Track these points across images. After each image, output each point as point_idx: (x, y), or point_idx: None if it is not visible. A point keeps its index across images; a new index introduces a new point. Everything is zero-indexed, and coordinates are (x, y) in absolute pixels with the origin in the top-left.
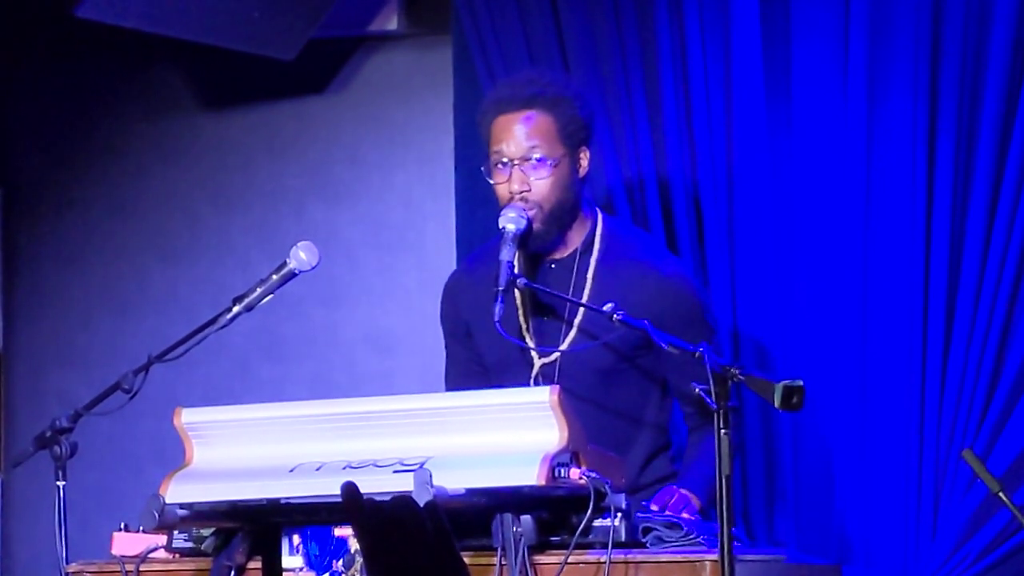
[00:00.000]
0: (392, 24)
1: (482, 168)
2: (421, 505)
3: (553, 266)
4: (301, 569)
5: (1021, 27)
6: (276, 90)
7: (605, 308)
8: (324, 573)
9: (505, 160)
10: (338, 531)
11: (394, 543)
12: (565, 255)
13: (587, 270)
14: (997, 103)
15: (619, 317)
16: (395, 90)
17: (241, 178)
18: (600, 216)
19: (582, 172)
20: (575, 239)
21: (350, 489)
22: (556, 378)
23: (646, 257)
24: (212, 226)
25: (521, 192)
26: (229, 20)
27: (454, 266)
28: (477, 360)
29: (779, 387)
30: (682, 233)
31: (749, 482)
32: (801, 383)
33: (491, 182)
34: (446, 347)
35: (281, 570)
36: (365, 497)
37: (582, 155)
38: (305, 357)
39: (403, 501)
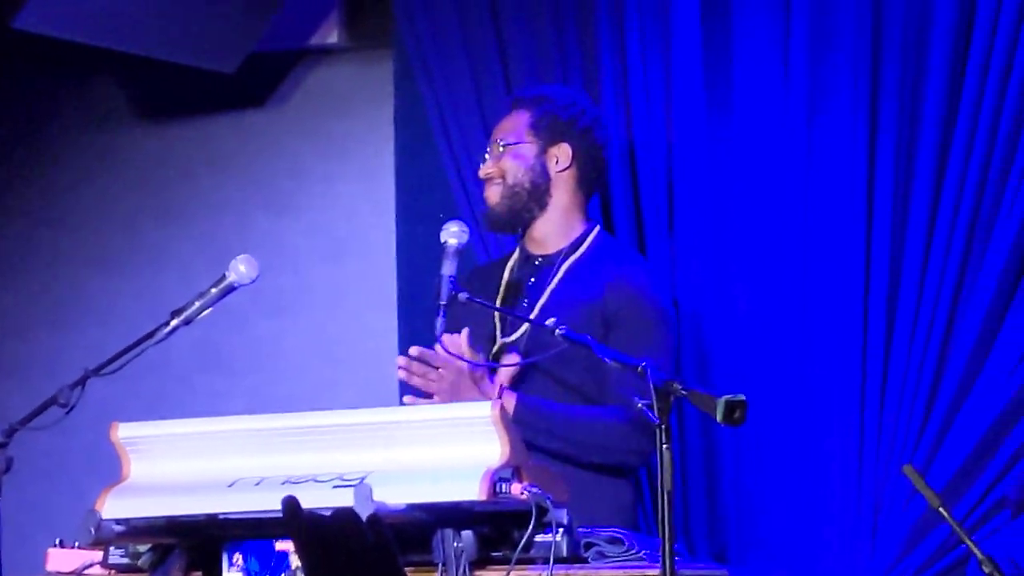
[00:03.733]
0: (333, 38)
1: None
2: (363, 519)
3: (538, 261)
4: None
5: (960, 32)
6: (217, 103)
7: (547, 323)
8: None
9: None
10: (279, 546)
11: (335, 558)
12: (550, 252)
13: (560, 269)
14: (937, 106)
15: (561, 332)
16: (336, 103)
17: (182, 190)
18: (597, 228)
19: (554, 166)
20: (562, 239)
21: (290, 503)
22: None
23: (622, 265)
24: (153, 238)
25: (488, 174)
26: (169, 32)
27: (394, 281)
28: None
29: (721, 402)
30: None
31: (690, 497)
32: (743, 398)
33: None
34: None
35: None
36: (306, 511)
37: (556, 149)
38: (248, 369)
39: (344, 515)
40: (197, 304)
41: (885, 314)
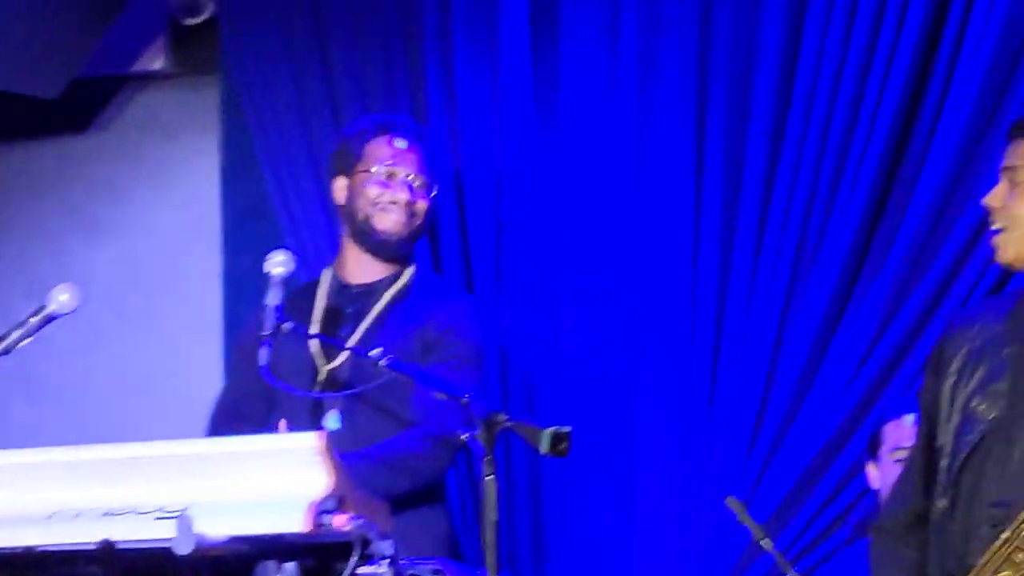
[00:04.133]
0: (159, 64)
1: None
2: (182, 553)
3: (356, 290)
4: None
5: (791, 28)
6: (38, 128)
7: (372, 354)
8: None
9: None
10: None
11: None
12: (369, 281)
13: (383, 299)
14: (765, 120)
15: (385, 364)
16: (161, 130)
17: None
18: (414, 266)
19: (335, 200)
20: (383, 270)
21: (106, 547)
22: (343, 387)
23: (445, 299)
24: None
25: (408, 199)
26: None
27: (220, 308)
28: (262, 391)
29: (546, 433)
30: (452, 274)
31: (516, 528)
32: (568, 429)
33: None
34: (237, 377)
35: None
36: (123, 546)
37: (333, 183)
38: (63, 400)
39: (162, 551)
40: (16, 334)
41: (712, 348)
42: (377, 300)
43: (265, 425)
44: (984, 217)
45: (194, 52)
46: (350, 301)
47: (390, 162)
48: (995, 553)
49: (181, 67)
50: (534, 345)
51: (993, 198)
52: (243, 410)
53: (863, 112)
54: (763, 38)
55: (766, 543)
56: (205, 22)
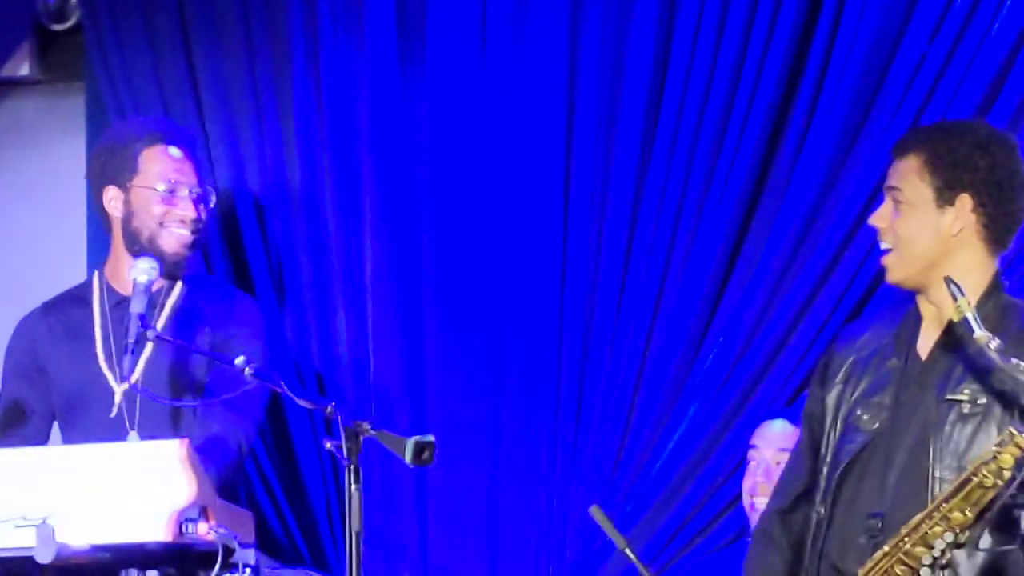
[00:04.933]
0: (24, 70)
1: None
2: (44, 562)
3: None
4: None
5: (662, 28)
6: None
7: (237, 362)
8: None
9: None
10: None
11: None
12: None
13: (166, 306)
14: (635, 116)
15: (251, 371)
16: (26, 136)
17: None
18: None
19: (106, 209)
20: (160, 281)
21: None
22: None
23: (226, 299)
24: None
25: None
26: None
27: None
28: (41, 399)
29: (410, 442)
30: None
31: (379, 540)
32: (432, 438)
33: None
34: (5, 386)
35: None
36: None
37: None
38: None
39: (23, 559)
40: None
41: (581, 352)
42: (160, 310)
43: (42, 439)
44: (849, 233)
45: (60, 58)
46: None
47: (172, 177)
48: (876, 564)
49: (47, 73)
50: (397, 351)
51: (879, 218)
52: (13, 426)
53: (735, 114)
54: (634, 38)
55: (629, 553)
56: (71, 28)
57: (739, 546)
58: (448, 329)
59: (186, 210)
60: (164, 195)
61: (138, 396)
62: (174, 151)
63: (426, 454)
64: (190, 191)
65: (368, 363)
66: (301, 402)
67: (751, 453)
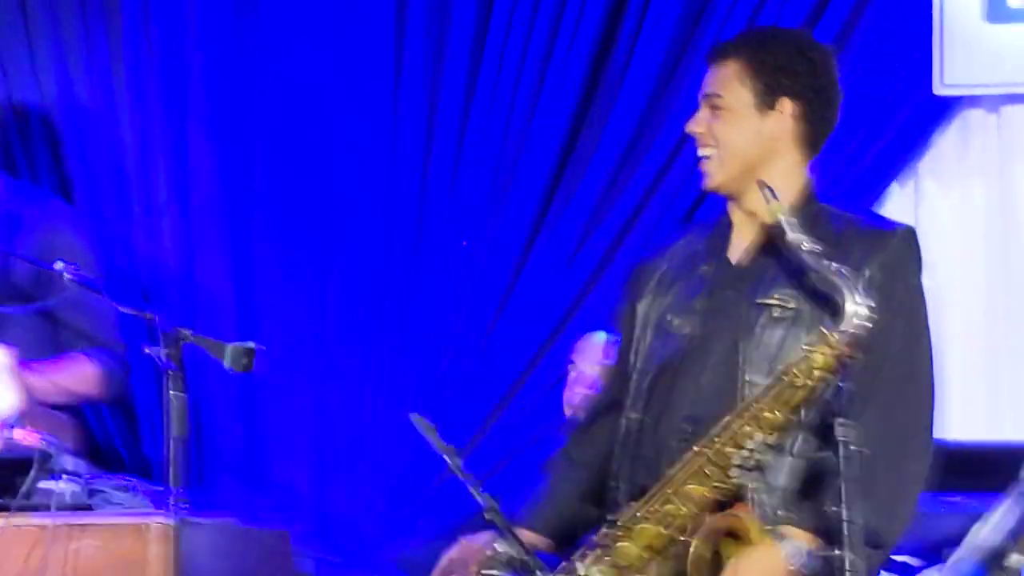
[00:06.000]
0: None
1: None
2: None
3: None
4: None
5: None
6: None
7: (56, 267)
8: None
9: None
10: None
11: None
12: None
13: None
14: (464, 34)
15: (70, 276)
16: None
17: None
18: None
19: None
20: None
21: None
22: None
23: (36, 203)
24: None
25: None
26: None
27: None
28: None
29: (230, 348)
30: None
31: (203, 447)
32: (252, 345)
33: None
34: None
35: None
36: None
37: None
38: None
39: None
40: None
41: (407, 270)
42: None
43: None
44: (676, 145)
45: None
46: None
47: None
48: (686, 464)
49: None
50: (224, 262)
51: (696, 124)
52: None
53: (563, 29)
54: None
55: (450, 458)
56: None
57: None
58: (276, 238)
59: None
60: None
61: None
62: None
63: (246, 361)
64: None
65: (193, 271)
66: (123, 309)
67: (570, 367)
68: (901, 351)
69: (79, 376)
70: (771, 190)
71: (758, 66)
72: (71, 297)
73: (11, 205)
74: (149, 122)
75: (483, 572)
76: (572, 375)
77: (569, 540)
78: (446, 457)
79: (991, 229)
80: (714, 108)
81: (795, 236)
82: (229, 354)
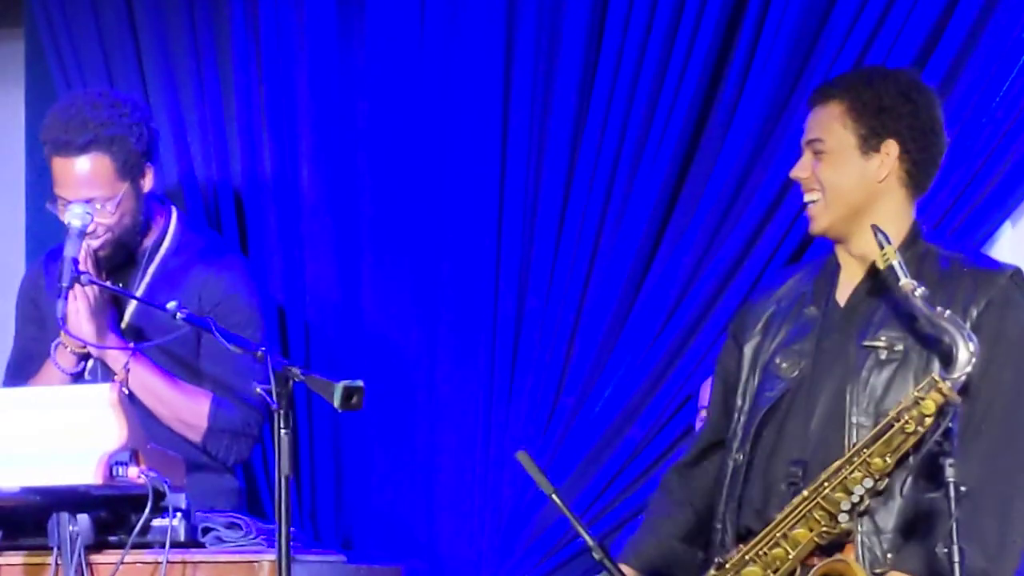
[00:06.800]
0: None
1: (48, 204)
2: None
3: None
4: None
5: (595, 22)
6: None
7: (169, 306)
8: None
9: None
10: None
11: None
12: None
13: (148, 270)
14: (568, 105)
15: (182, 316)
16: None
17: None
18: (174, 215)
19: (147, 188)
20: (147, 241)
21: None
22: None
23: (204, 257)
24: None
25: (90, 230)
26: None
27: (23, 263)
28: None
29: (339, 387)
30: (253, 232)
31: (317, 483)
32: (361, 384)
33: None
34: (18, 332)
35: None
36: None
37: (146, 175)
38: None
39: None
40: None
41: (515, 307)
42: (145, 270)
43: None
44: (783, 187)
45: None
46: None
47: (59, 190)
48: (794, 509)
49: None
50: (334, 304)
51: (800, 169)
52: (27, 369)
53: (670, 74)
54: (570, 3)
55: (556, 499)
56: None
57: None
58: (386, 280)
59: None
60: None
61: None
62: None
63: (355, 399)
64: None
65: (304, 311)
66: (231, 347)
67: (700, 414)
68: (1009, 392)
69: (190, 402)
70: (884, 235)
71: (861, 108)
72: (211, 348)
73: (182, 261)
74: (258, 156)
75: None
76: (698, 424)
77: None
78: (552, 497)
79: None
80: (817, 152)
81: (907, 282)
82: (338, 393)
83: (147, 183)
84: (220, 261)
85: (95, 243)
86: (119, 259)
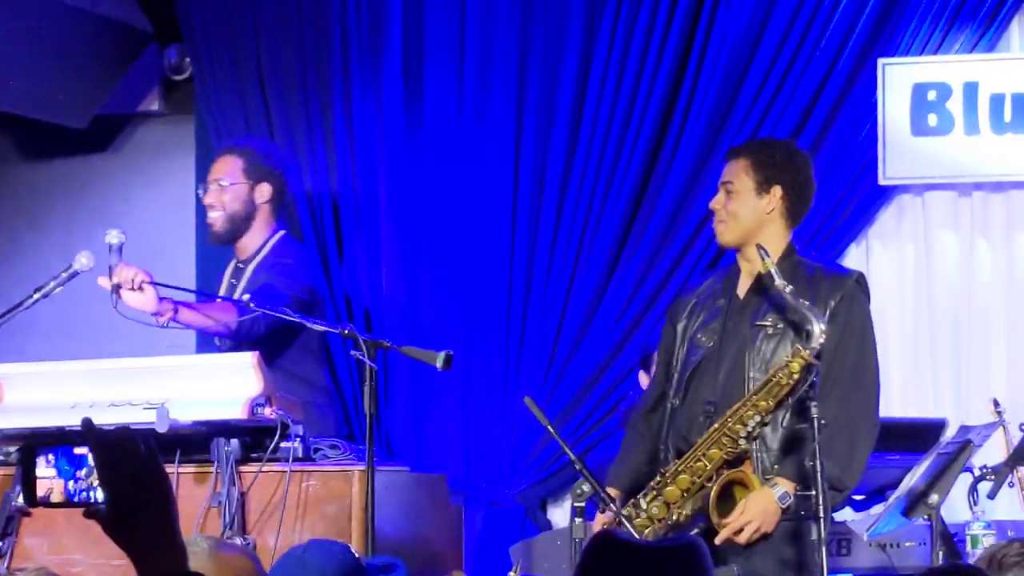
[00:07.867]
0: (155, 105)
1: (198, 189)
2: (161, 432)
3: (241, 264)
4: (53, 477)
5: (580, 74)
6: (73, 149)
7: (244, 298)
8: (69, 480)
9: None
10: (77, 450)
11: (117, 459)
12: (245, 257)
13: (249, 267)
14: (566, 127)
15: (252, 304)
16: (155, 152)
17: (46, 210)
18: (280, 233)
19: (260, 199)
20: (252, 247)
21: (87, 422)
22: None
23: (276, 252)
24: (28, 241)
25: (210, 203)
26: (26, 91)
27: (194, 277)
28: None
29: (442, 354)
30: (350, 234)
31: (391, 418)
32: (451, 352)
33: None
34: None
35: (35, 478)
36: (100, 427)
37: (261, 187)
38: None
39: (124, 430)
40: (51, 284)
41: (522, 300)
42: (246, 270)
43: None
44: (706, 215)
45: (179, 98)
46: (237, 273)
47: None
48: (709, 436)
49: (170, 109)
50: (404, 291)
51: (715, 202)
52: None
53: (628, 134)
54: (562, 90)
55: (551, 428)
56: (187, 78)
57: None
58: (438, 272)
59: (207, 198)
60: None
61: None
62: (223, 163)
63: (449, 362)
64: (213, 184)
65: (380, 303)
66: (313, 326)
67: (640, 375)
68: (856, 357)
69: (222, 313)
70: (764, 250)
71: (759, 164)
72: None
73: (271, 256)
74: (348, 200)
75: (574, 502)
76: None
77: (638, 491)
78: (548, 427)
79: (918, 276)
80: (728, 192)
81: (780, 283)
82: (441, 358)
83: (260, 194)
84: (284, 251)
85: (213, 215)
86: (227, 239)
